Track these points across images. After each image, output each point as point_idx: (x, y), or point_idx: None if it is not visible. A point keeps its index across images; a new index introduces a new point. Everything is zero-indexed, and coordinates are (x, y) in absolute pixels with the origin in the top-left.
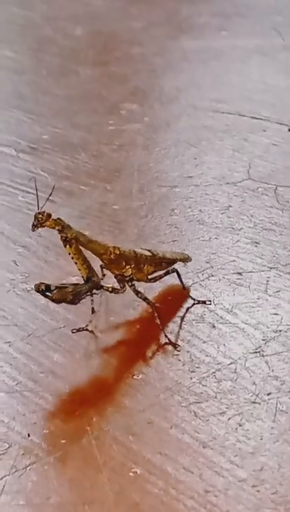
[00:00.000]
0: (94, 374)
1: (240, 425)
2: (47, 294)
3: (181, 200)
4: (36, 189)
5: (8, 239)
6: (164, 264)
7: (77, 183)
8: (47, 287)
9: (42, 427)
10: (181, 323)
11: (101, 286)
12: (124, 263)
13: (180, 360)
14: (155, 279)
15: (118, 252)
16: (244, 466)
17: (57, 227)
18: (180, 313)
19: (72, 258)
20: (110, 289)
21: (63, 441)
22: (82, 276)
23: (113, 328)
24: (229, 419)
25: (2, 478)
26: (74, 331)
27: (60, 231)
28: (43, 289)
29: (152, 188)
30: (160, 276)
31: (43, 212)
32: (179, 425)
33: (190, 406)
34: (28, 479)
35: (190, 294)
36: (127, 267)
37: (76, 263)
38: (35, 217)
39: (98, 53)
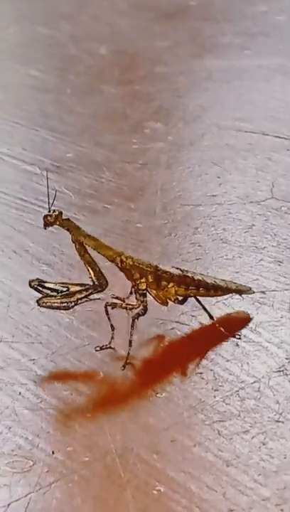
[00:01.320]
0: (117, 392)
1: (264, 444)
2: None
3: (205, 218)
4: (48, 186)
5: (32, 256)
6: (203, 290)
7: (101, 202)
8: (41, 284)
9: (66, 444)
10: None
11: (115, 305)
12: (138, 275)
13: (203, 379)
14: (181, 302)
15: (131, 263)
16: (268, 484)
17: (65, 228)
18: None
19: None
20: (123, 306)
21: (87, 458)
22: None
23: (136, 346)
24: (252, 437)
25: (26, 495)
26: (98, 348)
27: (68, 231)
28: (36, 285)
29: (175, 206)
30: (184, 300)
31: (52, 213)
32: (203, 443)
33: (214, 424)
34: (52, 496)
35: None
36: (142, 280)
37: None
38: (44, 219)
39: (122, 72)
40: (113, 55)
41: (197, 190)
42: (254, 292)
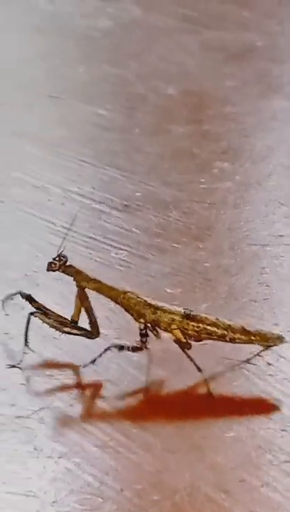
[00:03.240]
0: (185, 431)
1: None
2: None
3: (272, 258)
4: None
5: (100, 295)
6: (215, 336)
7: (168, 241)
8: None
9: (135, 482)
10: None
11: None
12: (135, 315)
13: (271, 419)
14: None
15: (127, 303)
16: None
17: (68, 275)
18: (271, 372)
19: None
20: (130, 348)
21: (156, 497)
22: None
23: (202, 384)
24: None
25: None
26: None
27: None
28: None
29: (242, 246)
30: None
31: (58, 260)
32: (270, 484)
33: (282, 465)
34: None
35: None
36: (141, 320)
37: None
38: (48, 265)
39: (190, 112)
40: (181, 95)
41: (264, 230)
42: (285, 342)
